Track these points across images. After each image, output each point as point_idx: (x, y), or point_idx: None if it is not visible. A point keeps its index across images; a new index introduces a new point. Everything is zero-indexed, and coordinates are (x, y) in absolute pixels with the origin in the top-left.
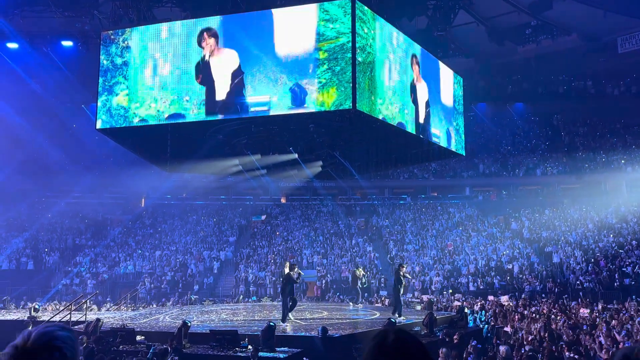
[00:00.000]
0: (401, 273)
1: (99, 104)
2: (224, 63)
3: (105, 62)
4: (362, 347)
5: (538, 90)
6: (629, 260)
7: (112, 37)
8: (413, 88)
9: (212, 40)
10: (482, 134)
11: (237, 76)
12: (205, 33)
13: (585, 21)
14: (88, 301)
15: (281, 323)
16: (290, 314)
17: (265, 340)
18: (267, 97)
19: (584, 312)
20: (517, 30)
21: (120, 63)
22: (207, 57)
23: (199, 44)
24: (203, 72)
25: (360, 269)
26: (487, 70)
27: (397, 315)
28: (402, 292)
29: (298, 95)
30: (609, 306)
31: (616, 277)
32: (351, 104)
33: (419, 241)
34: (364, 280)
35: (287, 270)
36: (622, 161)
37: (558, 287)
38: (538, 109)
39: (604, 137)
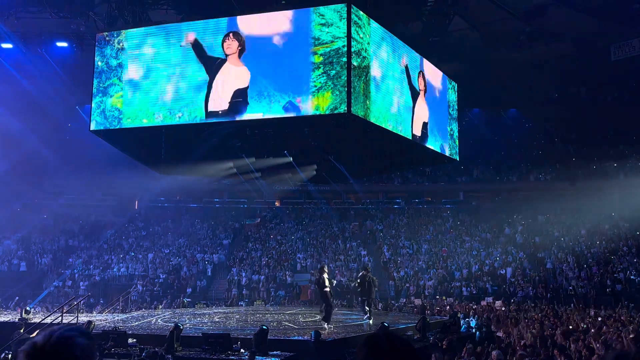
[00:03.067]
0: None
1: (93, 105)
2: (232, 74)
3: (100, 63)
4: (355, 350)
5: (532, 96)
6: (621, 266)
7: (107, 38)
8: (409, 93)
9: (235, 44)
10: (476, 139)
11: (242, 91)
12: (231, 34)
13: (578, 28)
14: (80, 303)
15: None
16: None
17: (258, 344)
18: (261, 115)
19: (575, 319)
20: (511, 37)
21: (115, 65)
22: (219, 63)
23: (221, 44)
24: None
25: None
26: (481, 76)
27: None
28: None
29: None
30: (601, 312)
31: (608, 282)
32: (346, 108)
33: (412, 246)
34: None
35: (324, 275)
36: (615, 168)
37: (550, 293)
38: (532, 115)
39: (597, 143)
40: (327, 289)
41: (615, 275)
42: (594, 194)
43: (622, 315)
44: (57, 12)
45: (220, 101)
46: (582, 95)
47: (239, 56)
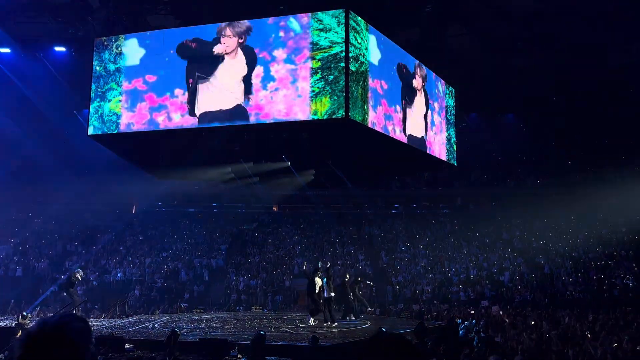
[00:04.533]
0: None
1: (91, 110)
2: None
3: (98, 68)
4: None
5: (529, 101)
6: (619, 272)
7: (105, 43)
8: (405, 98)
9: (232, 41)
10: (473, 144)
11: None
12: (228, 29)
13: (576, 34)
14: (77, 308)
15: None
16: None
17: (255, 349)
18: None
19: (571, 323)
20: (509, 42)
21: (113, 69)
22: (217, 62)
23: (218, 41)
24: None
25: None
26: (479, 81)
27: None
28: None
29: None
30: (599, 317)
31: (605, 287)
32: (344, 113)
33: (410, 250)
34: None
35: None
36: (612, 173)
37: (548, 297)
38: (529, 120)
39: (595, 149)
40: (316, 291)
41: (612, 280)
42: (592, 199)
43: (620, 320)
44: (55, 17)
45: (215, 105)
46: (580, 101)
47: (236, 54)
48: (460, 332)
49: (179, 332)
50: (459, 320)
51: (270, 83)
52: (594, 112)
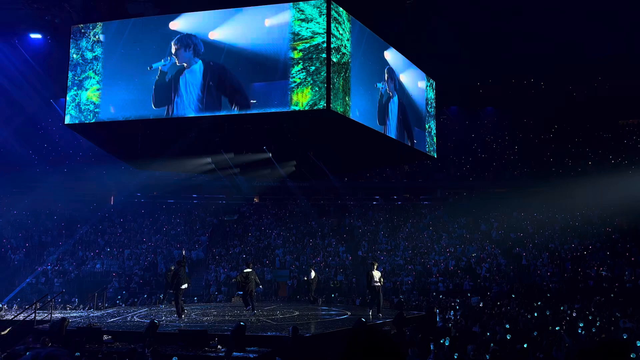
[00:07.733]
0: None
1: (68, 98)
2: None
3: (75, 56)
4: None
5: (509, 94)
6: (593, 262)
7: (82, 30)
8: (388, 90)
9: (181, 52)
10: (453, 136)
11: (210, 85)
12: (176, 44)
13: (556, 28)
14: (54, 300)
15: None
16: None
17: (235, 340)
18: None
19: (548, 312)
20: (490, 35)
21: (90, 57)
22: (175, 65)
23: (172, 53)
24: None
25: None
26: (459, 74)
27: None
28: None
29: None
30: (574, 307)
31: (580, 278)
32: (325, 104)
33: (390, 242)
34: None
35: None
36: (589, 166)
37: (525, 288)
38: (508, 113)
39: (572, 142)
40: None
41: (587, 271)
42: (568, 191)
43: (593, 310)
44: (30, 3)
45: (193, 97)
46: (558, 94)
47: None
48: (439, 322)
49: (158, 323)
50: (437, 311)
51: None
52: (571, 106)
